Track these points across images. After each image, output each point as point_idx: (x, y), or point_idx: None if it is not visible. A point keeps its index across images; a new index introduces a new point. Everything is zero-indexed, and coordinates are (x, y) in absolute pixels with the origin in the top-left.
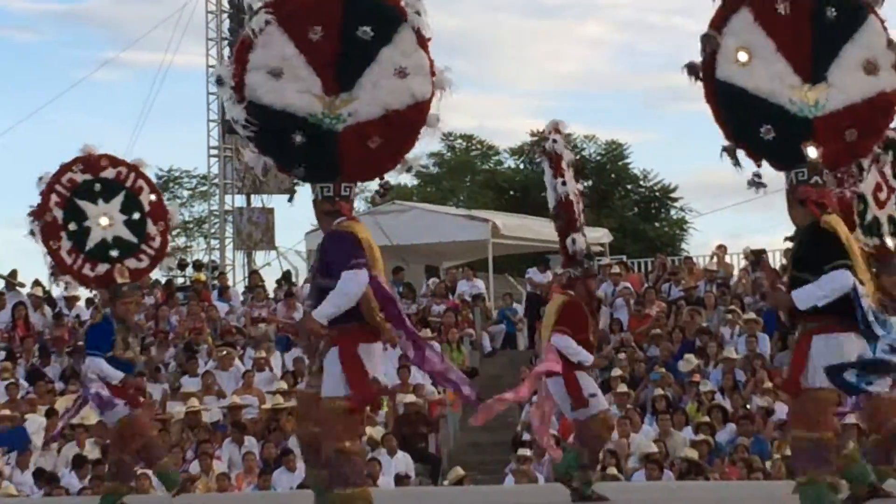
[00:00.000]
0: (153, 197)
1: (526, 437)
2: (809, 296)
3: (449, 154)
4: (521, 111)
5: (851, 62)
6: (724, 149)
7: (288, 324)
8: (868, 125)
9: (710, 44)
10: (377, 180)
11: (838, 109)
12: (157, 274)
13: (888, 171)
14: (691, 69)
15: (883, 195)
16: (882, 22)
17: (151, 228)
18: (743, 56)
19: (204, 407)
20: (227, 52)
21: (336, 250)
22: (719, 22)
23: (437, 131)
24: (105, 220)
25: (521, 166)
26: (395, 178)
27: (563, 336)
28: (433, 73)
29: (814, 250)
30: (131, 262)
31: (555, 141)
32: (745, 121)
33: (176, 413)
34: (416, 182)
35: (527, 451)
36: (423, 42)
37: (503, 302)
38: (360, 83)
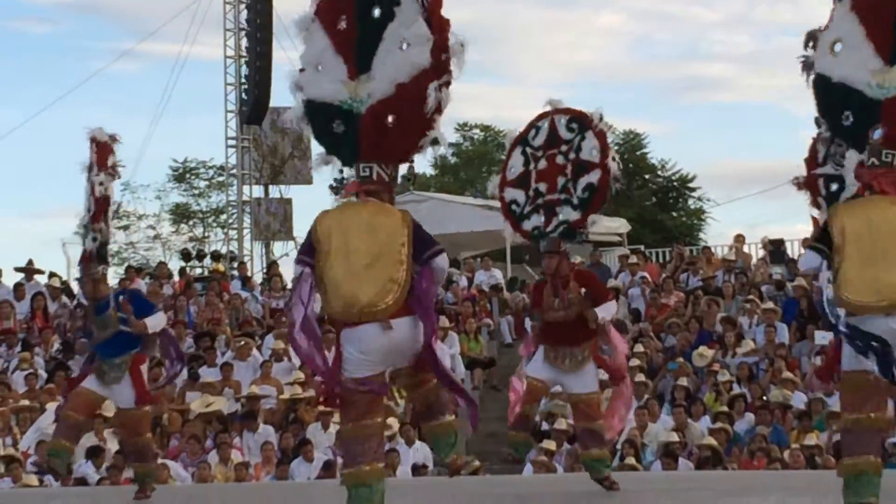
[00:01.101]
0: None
1: (545, 427)
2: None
3: (466, 144)
4: (537, 102)
5: None
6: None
7: None
8: None
9: (810, 38)
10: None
11: None
12: (174, 264)
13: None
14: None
15: None
16: None
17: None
18: (838, 47)
19: (218, 401)
20: (244, 42)
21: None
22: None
23: (445, 100)
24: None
25: None
26: (422, 156)
27: None
28: (440, 43)
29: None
30: None
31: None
32: (830, 110)
33: (196, 406)
34: (433, 172)
35: (552, 444)
36: (427, 7)
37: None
38: (374, 63)
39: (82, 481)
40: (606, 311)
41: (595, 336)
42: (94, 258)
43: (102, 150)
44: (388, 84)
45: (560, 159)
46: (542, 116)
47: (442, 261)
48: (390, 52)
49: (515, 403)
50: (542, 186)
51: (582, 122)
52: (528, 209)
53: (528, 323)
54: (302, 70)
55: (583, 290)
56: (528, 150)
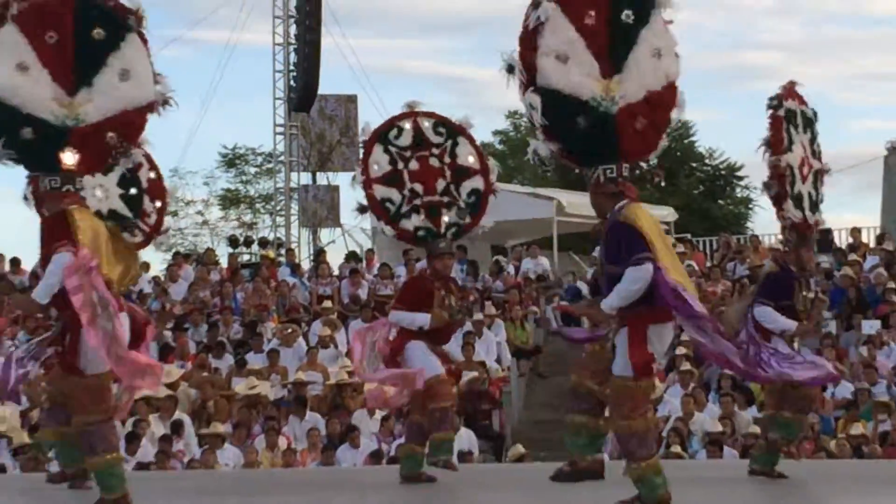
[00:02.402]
0: (152, 174)
1: None
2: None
3: (514, 133)
4: None
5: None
6: None
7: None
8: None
9: None
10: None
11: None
12: (221, 250)
13: (807, 144)
14: None
15: (805, 170)
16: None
17: (148, 205)
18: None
19: (263, 385)
20: (293, 29)
21: (622, 243)
22: None
23: (682, 111)
24: (100, 192)
25: None
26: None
27: None
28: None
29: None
30: (124, 236)
31: None
32: None
33: (240, 389)
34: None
35: None
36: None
37: (567, 280)
38: (627, 65)
39: None
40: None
41: None
42: None
43: None
44: (640, 89)
45: (434, 162)
46: (403, 116)
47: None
48: (644, 59)
49: None
50: (419, 187)
51: (449, 126)
52: (405, 208)
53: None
54: (531, 56)
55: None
56: (392, 148)
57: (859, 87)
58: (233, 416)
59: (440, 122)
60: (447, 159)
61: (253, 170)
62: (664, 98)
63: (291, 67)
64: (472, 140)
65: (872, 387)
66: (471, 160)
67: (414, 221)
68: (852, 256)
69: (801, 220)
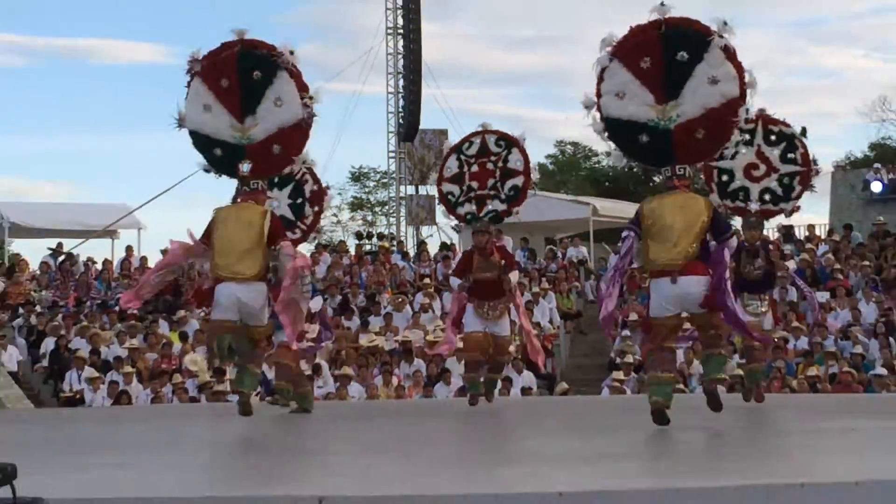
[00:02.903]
0: (315, 187)
1: (617, 360)
2: None
3: (561, 156)
4: None
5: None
6: None
7: None
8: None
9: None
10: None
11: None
12: (351, 242)
13: (775, 153)
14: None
15: (758, 172)
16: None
17: (308, 210)
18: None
19: (379, 339)
20: (401, 82)
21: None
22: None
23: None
24: (275, 202)
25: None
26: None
27: None
28: (741, 77)
29: None
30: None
31: None
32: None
33: (364, 342)
34: (537, 176)
35: (620, 374)
36: (730, 55)
37: (600, 263)
38: (683, 93)
39: None
40: (514, 277)
41: (509, 294)
42: None
43: None
44: (699, 108)
45: (490, 166)
46: (475, 134)
47: (734, 242)
48: (701, 86)
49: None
50: (475, 184)
51: (508, 140)
52: (461, 199)
53: (454, 282)
54: (598, 97)
55: (501, 261)
56: (462, 157)
57: (812, 122)
58: (359, 362)
59: (501, 136)
60: (500, 164)
61: (372, 183)
62: (722, 113)
63: (400, 110)
64: (522, 150)
65: (824, 341)
66: (518, 165)
67: (465, 209)
68: (808, 246)
69: (732, 207)
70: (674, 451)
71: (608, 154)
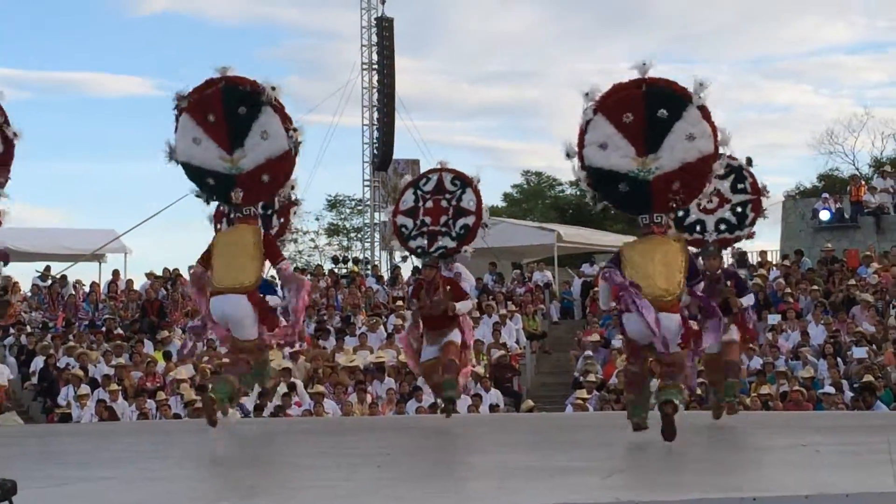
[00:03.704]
0: (284, 201)
1: (581, 379)
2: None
3: (526, 185)
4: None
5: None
6: None
7: None
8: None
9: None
10: None
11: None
12: (327, 266)
13: (725, 185)
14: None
15: (711, 205)
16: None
17: (274, 222)
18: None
19: (359, 357)
20: (375, 114)
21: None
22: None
23: (714, 178)
24: None
25: (577, 193)
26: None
27: None
28: (716, 135)
29: None
30: None
31: None
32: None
33: (340, 361)
34: (503, 203)
35: (583, 393)
36: (706, 114)
37: (564, 287)
38: (663, 147)
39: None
40: (464, 306)
41: (457, 321)
42: None
43: None
44: (677, 162)
45: (444, 203)
46: (433, 171)
47: (702, 285)
48: (679, 141)
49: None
50: (428, 220)
51: (463, 180)
52: (413, 233)
53: (410, 315)
54: (581, 147)
55: (447, 287)
56: (419, 192)
57: (764, 153)
58: (334, 380)
59: (458, 176)
60: (454, 202)
61: (348, 210)
62: (698, 167)
63: (374, 141)
64: (476, 191)
65: (775, 361)
66: (471, 205)
67: (417, 242)
68: (761, 271)
69: (691, 240)
70: (633, 466)
71: (573, 184)
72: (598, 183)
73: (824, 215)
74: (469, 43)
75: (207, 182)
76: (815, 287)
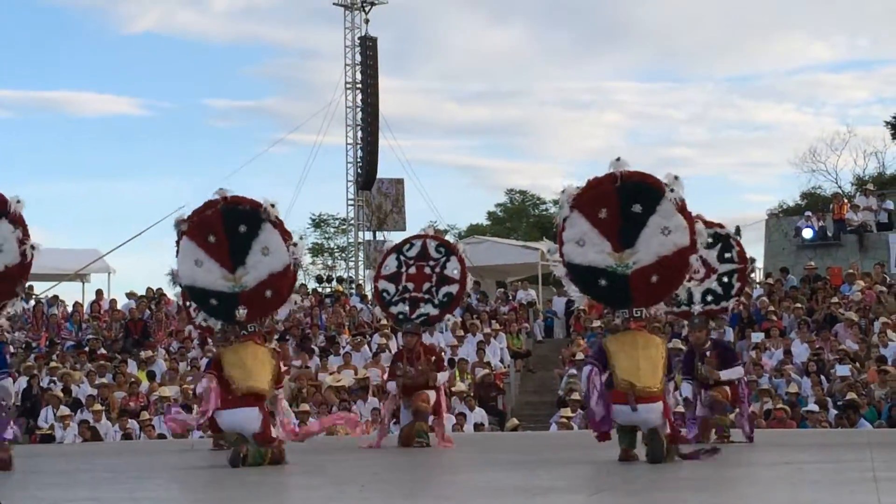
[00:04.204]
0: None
1: (565, 398)
2: None
3: (510, 204)
4: (560, 174)
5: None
6: None
7: None
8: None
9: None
10: None
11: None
12: (312, 285)
13: (713, 255)
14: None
15: (699, 275)
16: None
17: None
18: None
19: (345, 377)
20: (359, 134)
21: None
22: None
23: (694, 270)
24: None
25: None
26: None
27: None
28: (692, 228)
29: None
30: None
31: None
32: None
33: (327, 380)
34: (488, 223)
35: (568, 412)
36: (680, 207)
37: (548, 305)
38: (638, 242)
39: None
40: (443, 377)
41: (438, 388)
42: None
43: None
44: (653, 256)
45: (427, 270)
46: (417, 237)
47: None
48: (654, 236)
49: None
50: (411, 286)
51: (448, 247)
52: (395, 299)
53: (391, 385)
54: (561, 244)
55: (431, 357)
56: (402, 257)
57: (747, 172)
58: (319, 399)
59: (442, 244)
60: (438, 270)
61: (332, 229)
62: (674, 260)
63: (358, 160)
64: (461, 259)
65: (759, 378)
66: (455, 273)
67: (398, 308)
68: (745, 289)
69: (678, 312)
70: (617, 484)
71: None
72: (579, 279)
73: (807, 233)
74: (453, 62)
75: (211, 302)
76: (799, 305)
